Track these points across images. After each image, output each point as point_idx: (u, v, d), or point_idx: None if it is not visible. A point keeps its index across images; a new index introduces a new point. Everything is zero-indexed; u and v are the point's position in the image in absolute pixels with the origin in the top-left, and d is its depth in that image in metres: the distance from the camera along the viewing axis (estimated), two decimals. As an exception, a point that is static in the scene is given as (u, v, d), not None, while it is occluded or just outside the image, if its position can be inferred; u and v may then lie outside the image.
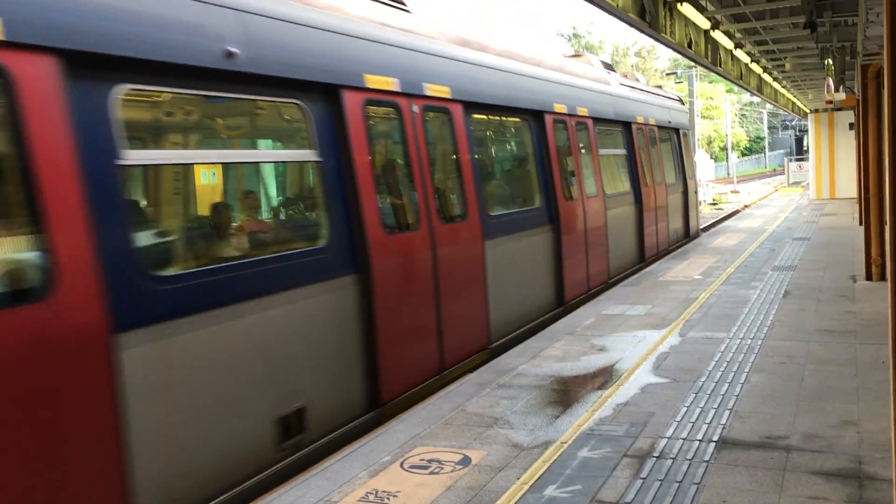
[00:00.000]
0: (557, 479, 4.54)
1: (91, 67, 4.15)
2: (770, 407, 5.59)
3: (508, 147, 10.41)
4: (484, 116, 8.98)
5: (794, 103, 32.20)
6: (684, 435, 5.13)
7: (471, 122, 8.18)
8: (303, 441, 5.37)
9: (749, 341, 7.53)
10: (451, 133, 7.77)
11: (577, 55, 14.23)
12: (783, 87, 24.62)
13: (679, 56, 21.20)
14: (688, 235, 17.49)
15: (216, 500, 4.61)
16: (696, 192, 18.61)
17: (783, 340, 7.51)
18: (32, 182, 3.75)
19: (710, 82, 70.57)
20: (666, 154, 16.09)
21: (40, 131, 3.82)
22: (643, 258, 13.80)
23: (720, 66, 15.52)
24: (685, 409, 5.65)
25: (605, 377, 6.60)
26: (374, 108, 6.60)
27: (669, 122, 16.34)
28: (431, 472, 4.74)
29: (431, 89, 7.24)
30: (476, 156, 8.32)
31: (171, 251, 5.65)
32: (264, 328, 5.09)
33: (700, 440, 5.02)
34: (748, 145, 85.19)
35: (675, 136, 16.95)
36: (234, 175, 7.17)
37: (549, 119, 9.85)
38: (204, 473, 4.57)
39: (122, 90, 4.35)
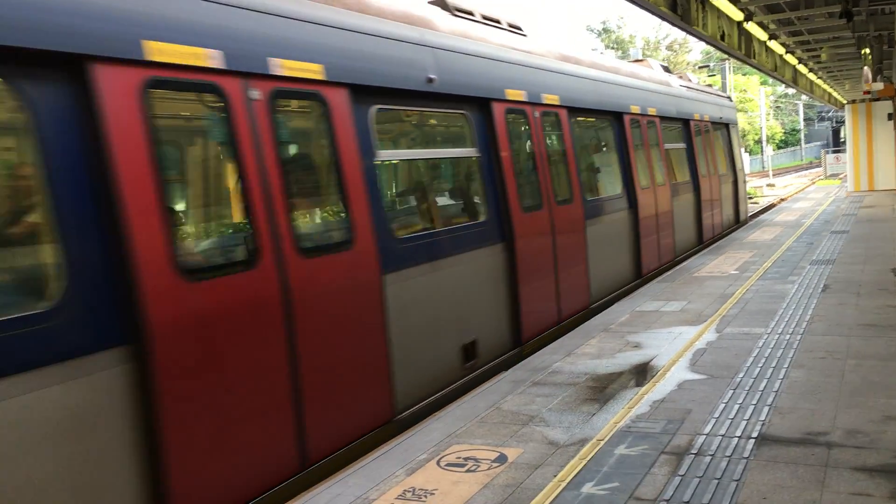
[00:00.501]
0: (594, 476, 4.52)
1: (363, 95, 5.99)
2: (810, 403, 5.52)
3: (598, 143, 11.64)
4: (581, 118, 10.45)
5: (830, 94, 31.68)
6: (723, 432, 5.08)
7: (572, 123, 9.79)
8: (475, 365, 7.26)
9: (788, 337, 7.43)
10: (559, 132, 9.45)
11: (639, 60, 16.30)
12: (819, 77, 24.24)
13: (712, 49, 21.28)
14: (738, 221, 18.91)
15: (428, 399, 6.48)
16: (744, 182, 20.23)
17: (823, 335, 7.39)
18: (339, 174, 5.66)
19: (744, 75, 69.67)
20: (718, 147, 17.38)
21: (343, 139, 5.69)
22: (701, 240, 15.41)
23: (754, 57, 15.31)
24: (723, 405, 5.60)
25: (640, 374, 6.56)
26: (511, 114, 8.22)
27: (721, 117, 17.70)
28: (468, 470, 4.75)
29: (547, 98, 9.00)
30: (577, 150, 9.86)
31: (405, 222, 7.39)
32: (453, 279, 7.00)
33: (739, 437, 4.97)
34: (783, 138, 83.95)
35: (725, 131, 18.28)
36: (432, 167, 8.53)
37: (626, 119, 11.53)
38: (425, 374, 6.53)
39: (375, 109, 6.21)
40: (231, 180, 5.17)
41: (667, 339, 7.71)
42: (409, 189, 8.17)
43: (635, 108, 11.91)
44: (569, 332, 8.44)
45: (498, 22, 8.86)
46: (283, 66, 5.17)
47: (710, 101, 17.15)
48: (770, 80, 58.59)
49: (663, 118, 13.31)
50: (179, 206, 5.75)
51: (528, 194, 8.42)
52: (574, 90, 9.87)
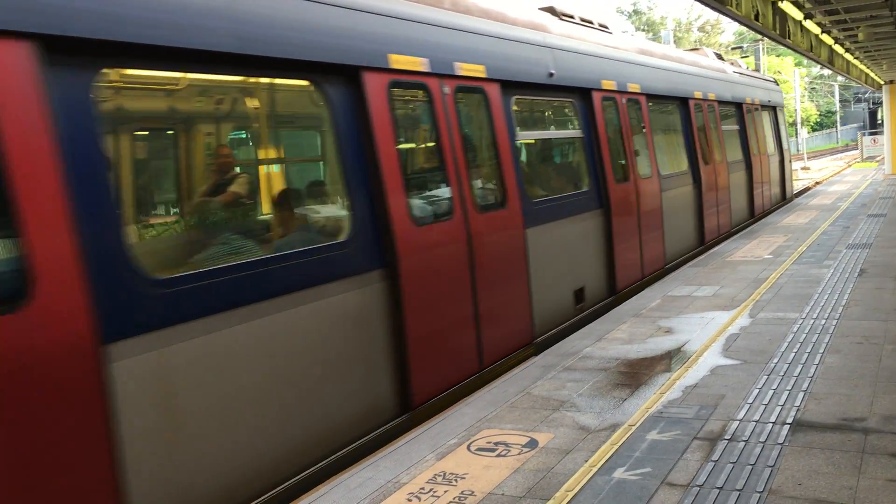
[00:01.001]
0: (626, 461, 4.50)
1: (507, 88, 7.54)
2: (846, 388, 5.43)
3: (669, 125, 12.85)
4: (656, 104, 11.86)
5: (867, 75, 31.01)
6: (756, 417, 5.02)
7: (650, 108, 11.26)
8: (583, 307, 8.90)
9: (823, 321, 7.31)
10: (640, 116, 10.91)
11: (695, 49, 18.00)
12: (855, 58, 23.72)
13: (745, 29, 21.68)
14: (784, 198, 20.24)
15: (552, 330, 8.05)
16: (790, 162, 21.72)
17: (859, 320, 7.27)
18: (497, 151, 7.31)
19: (778, 56, 68.47)
20: (767, 128, 18.73)
21: (498, 124, 7.31)
22: (753, 214, 16.73)
23: (789, 38, 15.04)
24: (757, 390, 5.53)
25: (672, 359, 6.50)
26: (606, 102, 9.71)
27: (769, 101, 19.18)
28: (498, 455, 4.75)
29: (631, 87, 10.46)
30: (654, 132, 11.34)
31: (535, 190, 8.64)
32: (568, 236, 8.58)
33: (773, 422, 4.90)
34: (819, 120, 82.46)
35: (773, 113, 19.59)
36: (550, 146, 9.99)
37: (691, 103, 12.93)
38: (551, 309, 8.17)
39: (514, 99, 7.79)
40: (434, 155, 6.75)
41: (699, 323, 7.63)
42: (536, 163, 9.61)
43: (698, 94, 13.36)
44: (649, 285, 10.07)
45: (591, 23, 10.53)
46: (462, 68, 6.88)
47: (759, 86, 18.61)
48: (805, 61, 57.52)
49: (720, 102, 14.71)
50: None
51: (619, 169, 9.99)
52: (651, 79, 11.39)
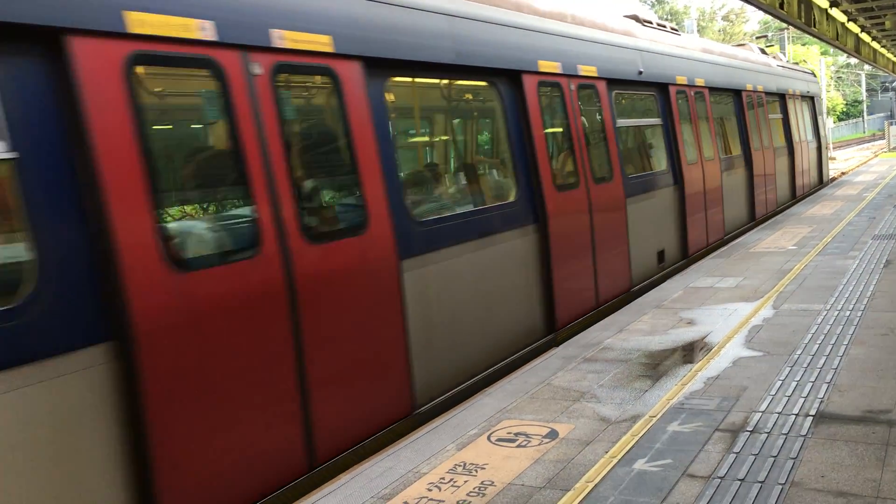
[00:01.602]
0: (647, 452, 4.48)
1: (610, 83, 9.22)
2: (871, 380, 5.37)
3: (725, 114, 14.44)
4: (714, 96, 13.29)
5: (894, 63, 30.51)
6: (779, 409, 4.98)
7: (711, 100, 12.89)
8: (664, 266, 10.56)
9: (848, 313, 7.23)
10: (704, 107, 12.53)
11: (742, 44, 19.31)
12: (882, 46, 23.34)
13: (770, 18, 22.03)
14: (821, 182, 21.96)
15: (643, 283, 9.75)
16: (827, 148, 23.73)
17: (885, 312, 7.18)
18: (606, 134, 9.00)
19: (804, 45, 67.56)
20: (806, 117, 20.25)
21: (606, 113, 9.04)
22: (794, 195, 18.37)
23: (814, 26, 14.83)
24: (780, 382, 5.48)
25: (694, 351, 6.46)
26: (679, 94, 11.45)
27: (808, 91, 20.72)
28: (519, 446, 4.75)
29: (697, 81, 12.09)
30: (714, 120, 13.11)
31: (629, 168, 10.14)
32: (653, 207, 10.27)
33: (796, 414, 4.86)
34: (845, 109, 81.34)
35: (811, 103, 21.12)
36: (638, 131, 11.23)
37: (744, 95, 14.60)
38: (642, 265, 9.77)
39: (615, 93, 9.43)
40: (566, 137, 8.34)
41: (721, 315, 7.58)
42: (629, 145, 10.89)
43: (749, 86, 14.99)
44: (712, 252, 11.58)
45: (664, 27, 12.36)
46: (582, 69, 8.52)
47: (798, 77, 20.34)
48: (831, 50, 56.70)
49: (766, 93, 16.38)
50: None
51: (690, 152, 11.60)
52: (712, 74, 12.99)
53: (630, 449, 4.55)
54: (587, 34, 8.98)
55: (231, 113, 4.54)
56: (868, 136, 71.15)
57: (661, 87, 10.99)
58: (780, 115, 17.48)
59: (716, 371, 5.86)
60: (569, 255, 7.90)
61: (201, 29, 4.36)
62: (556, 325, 7.69)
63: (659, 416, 5.03)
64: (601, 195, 8.62)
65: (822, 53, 69.02)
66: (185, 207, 5.05)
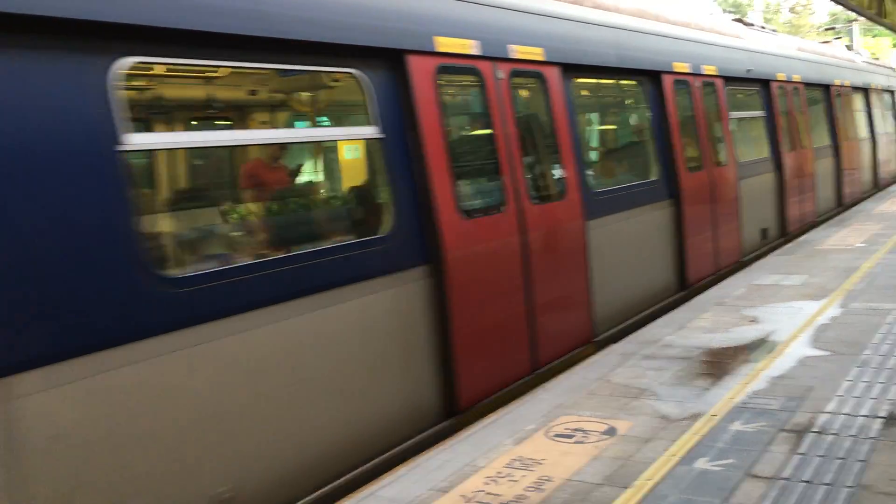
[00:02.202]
0: (708, 451, 4.40)
1: (725, 80, 10.43)
2: (946, 382, 5.18)
3: (817, 107, 15.31)
4: (808, 91, 14.35)
5: (971, 54, 29.25)
6: (847, 410, 4.83)
7: (806, 93, 14.06)
8: (766, 242, 11.78)
9: (920, 313, 6.98)
10: (800, 100, 13.54)
11: (826, 41, 21.24)
12: (958, 36, 22.44)
13: (839, 9, 22.24)
14: None
15: (751, 254, 11.00)
16: None
17: (960, 312, 6.91)
18: (722, 124, 10.22)
19: (874, 36, 65.30)
20: (888, 109, 21.43)
21: (723, 106, 10.18)
22: (877, 184, 19.08)
23: (885, 17, 14.37)
24: (848, 383, 5.32)
25: (757, 349, 6.32)
26: (780, 89, 12.51)
27: (888, 85, 21.93)
28: (577, 442, 4.71)
29: (794, 77, 13.30)
30: (809, 113, 14.19)
31: (739, 154, 10.90)
32: (757, 188, 11.31)
33: (865, 416, 4.71)
34: (917, 103, 78.38)
35: (892, 96, 22.19)
36: (746, 123, 12.04)
37: (832, 89, 15.66)
38: (750, 239, 11.03)
39: (728, 89, 10.70)
40: (692, 127, 9.53)
41: (786, 313, 7.39)
42: (738, 135, 11.33)
43: (837, 81, 16.04)
44: (807, 232, 12.76)
45: (764, 27, 14.49)
46: (705, 69, 9.81)
47: (880, 73, 21.74)
48: (903, 42, 54.64)
49: (852, 88, 17.37)
50: (683, 140, 10.76)
51: (788, 141, 12.64)
52: (806, 71, 14.20)
53: (691, 447, 4.48)
54: (708, 38, 10.64)
55: (487, 107, 6.12)
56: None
57: (764, 83, 12.13)
58: (864, 109, 18.48)
59: (780, 370, 5.72)
60: (697, 227, 9.29)
61: (473, 47, 5.95)
62: (686, 284, 9.10)
63: (721, 415, 4.93)
64: (720, 176, 9.96)
65: (894, 45, 66.65)
66: (465, 174, 6.04)
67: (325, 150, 7.35)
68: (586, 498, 3.97)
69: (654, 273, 8.60)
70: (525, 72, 6.62)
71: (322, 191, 7.41)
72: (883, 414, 4.72)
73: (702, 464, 4.25)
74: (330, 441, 4.62)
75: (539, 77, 6.79)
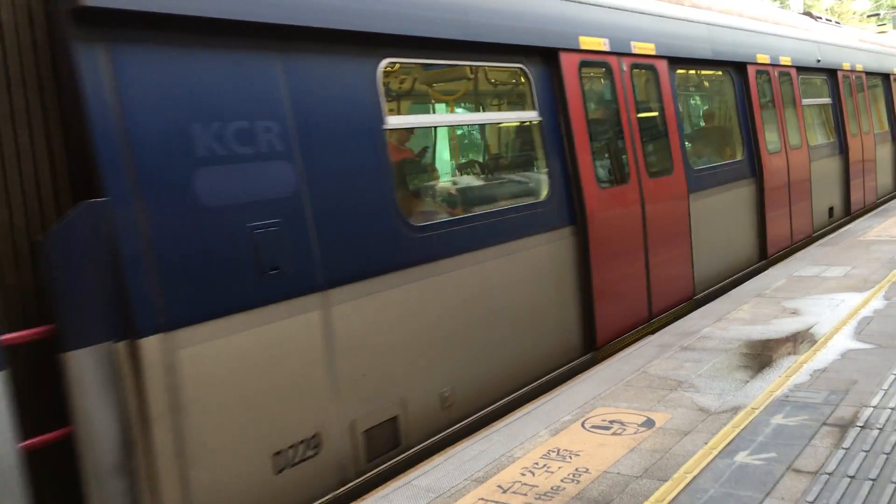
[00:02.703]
0: (749, 445, 4.33)
1: (799, 70, 11.33)
2: None
3: (875, 96, 16.12)
4: (869, 79, 15.29)
5: None
6: (893, 404, 4.72)
7: (867, 82, 15.09)
8: (832, 220, 12.67)
9: (968, 305, 6.80)
10: (862, 88, 14.66)
11: (883, 32, 23.25)
12: None
13: None
14: None
15: (820, 230, 11.82)
16: None
17: None
18: (797, 109, 11.24)
19: (919, 22, 63.60)
20: None
21: (798, 93, 11.28)
22: None
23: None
24: (893, 377, 5.20)
25: (799, 342, 6.20)
26: (844, 79, 13.45)
27: None
28: (613, 433, 4.67)
29: (857, 67, 14.26)
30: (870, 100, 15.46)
31: (810, 137, 11.90)
32: (824, 170, 12.20)
33: (911, 411, 4.61)
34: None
35: None
36: (816, 110, 12.92)
37: (892, 78, 16.72)
38: (819, 216, 11.92)
39: (801, 77, 11.66)
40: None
41: (828, 305, 7.24)
42: (808, 120, 12.08)
43: (894, 70, 17.06)
44: (870, 211, 13.62)
45: (830, 20, 15.39)
46: (782, 60, 10.82)
47: None
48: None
49: None
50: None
51: (853, 127, 13.61)
52: (867, 60, 15.08)
53: (731, 441, 4.41)
54: (783, 31, 11.34)
55: (615, 95, 7.25)
56: None
57: (831, 73, 12.99)
58: None
59: (823, 363, 5.60)
60: (775, 203, 10.15)
61: (605, 44, 7.03)
62: (766, 254, 10.02)
63: (762, 409, 4.84)
64: (795, 158, 10.87)
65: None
66: (600, 151, 7.10)
67: (509, 131, 8.21)
68: (624, 490, 3.93)
69: (740, 244, 9.54)
70: (641, 64, 7.71)
71: (505, 163, 8.17)
72: (930, 409, 4.61)
73: (742, 457, 4.18)
74: (510, 363, 5.83)
75: (651, 69, 7.88)
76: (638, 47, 7.53)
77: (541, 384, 5.98)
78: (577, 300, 6.54)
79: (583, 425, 4.84)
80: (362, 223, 4.68)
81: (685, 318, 7.33)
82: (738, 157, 9.60)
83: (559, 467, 4.26)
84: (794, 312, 7.11)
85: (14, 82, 3.46)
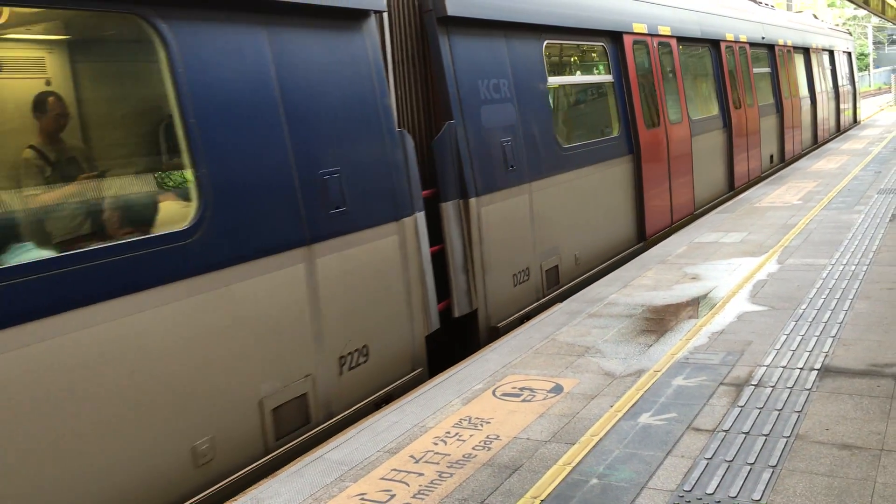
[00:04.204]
0: (651, 406, 4.50)
1: (727, 47, 13.71)
2: (877, 334, 5.37)
3: (801, 66, 19.23)
4: (796, 54, 18.33)
5: (903, 15, 30.05)
6: (784, 363, 4.98)
7: (796, 55, 18.34)
8: (772, 166, 16.24)
9: (853, 267, 7.21)
10: (792, 60, 17.72)
11: (799, 12, 27.70)
12: (892, -3, 22.99)
13: None
14: (855, 121, 27.43)
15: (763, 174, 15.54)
16: (857, 94, 29.46)
17: (890, 266, 7.15)
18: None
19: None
20: (845, 69, 25.51)
21: (725, 63, 13.30)
22: (839, 127, 23.70)
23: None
24: (785, 337, 5.48)
25: (699, 306, 6.46)
26: (778, 52, 16.77)
27: (847, 48, 26.13)
28: (524, 400, 4.77)
29: (788, 43, 17.06)
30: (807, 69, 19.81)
31: (737, 104, 14.17)
32: (766, 123, 15.69)
33: (801, 368, 4.87)
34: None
35: (847, 57, 26.29)
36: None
37: (811, 52, 20.17)
38: (800, 146, 18.35)
39: (777, 49, 16.65)
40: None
41: (726, 270, 7.56)
42: (760, 84, 15.41)
43: (813, 45, 20.11)
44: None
45: (768, 4, 19.07)
46: (741, 37, 13.81)
47: (838, 38, 25.42)
48: (838, 1, 55.68)
49: (823, 49, 21.64)
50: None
51: (789, 90, 17.18)
52: (796, 38, 18.45)
53: (635, 403, 4.57)
54: (747, 16, 15.21)
55: (650, 64, 10.21)
56: (874, 89, 70.22)
57: (770, 48, 16.11)
58: (830, 67, 22.90)
59: (720, 326, 5.86)
60: (741, 148, 13.52)
61: (646, 28, 10.04)
62: (733, 186, 13.21)
63: (663, 371, 5.04)
64: (750, 113, 14.22)
65: (830, 5, 67.88)
66: (645, 102, 9.89)
67: (597, 88, 10.08)
68: (533, 455, 4.03)
69: (719, 173, 12.76)
70: (663, 42, 10.62)
71: (596, 111, 10.19)
72: (818, 366, 4.89)
73: (645, 419, 4.34)
74: (603, 241, 8.75)
75: (668, 45, 10.78)
76: (661, 30, 10.56)
77: (618, 259, 8.88)
78: (634, 206, 9.55)
79: (494, 393, 4.92)
80: (541, 143, 7.43)
81: (592, 285, 7.52)
82: (714, 113, 12.65)
83: (471, 435, 4.33)
84: (695, 278, 7.39)
85: (409, 57, 6.22)
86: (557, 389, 4.89)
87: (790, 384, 4.63)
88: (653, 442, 4.05)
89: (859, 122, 27.48)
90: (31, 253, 3.54)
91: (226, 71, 4.30)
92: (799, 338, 5.43)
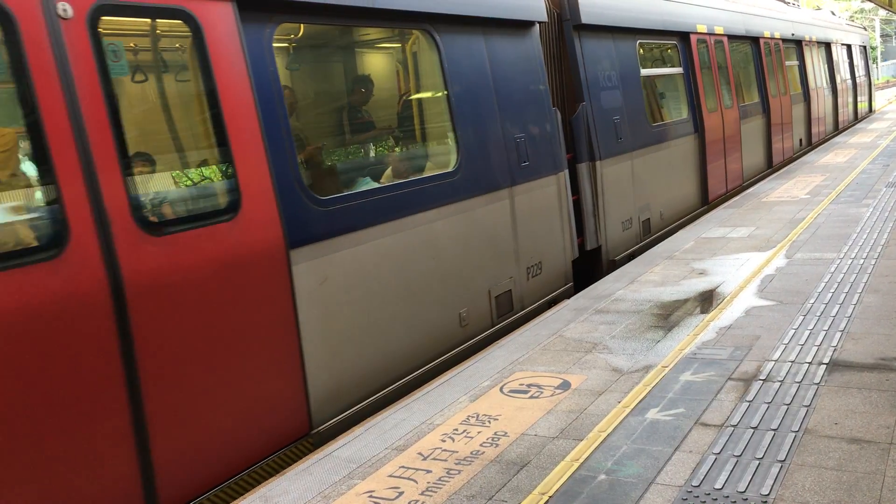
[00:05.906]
0: (659, 402, 4.49)
1: (766, 43, 15.44)
2: (885, 328, 5.35)
3: (823, 59, 21.04)
4: (819, 49, 19.74)
5: (911, 7, 29.89)
6: (792, 358, 4.97)
7: (818, 50, 19.99)
8: (837, 131, 21.48)
9: (861, 261, 7.18)
10: (811, 54, 19.02)
11: (819, 9, 28.31)
12: (899, -11, 22.86)
13: None
14: (871, 110, 29.19)
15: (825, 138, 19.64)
16: (872, 84, 31.48)
17: (899, 259, 7.12)
18: (831, 66, 21.59)
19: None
20: (861, 61, 27.06)
21: (763, 57, 15.22)
22: (857, 116, 25.54)
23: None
24: (793, 331, 5.47)
25: (706, 301, 6.44)
26: (770, 44, 16.98)
27: (863, 42, 27.80)
28: (531, 397, 4.77)
29: (806, 37, 18.62)
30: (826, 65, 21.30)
31: (776, 91, 15.86)
32: (795, 114, 17.35)
33: (809, 363, 4.86)
34: (859, 56, 79.62)
35: (863, 51, 27.82)
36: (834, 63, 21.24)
37: (832, 47, 21.90)
38: (821, 132, 20.03)
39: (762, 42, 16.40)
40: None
41: (734, 265, 7.54)
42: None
43: (834, 39, 21.58)
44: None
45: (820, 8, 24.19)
46: (776, 34, 15.73)
47: (857, 33, 27.17)
48: (845, -5, 55.28)
49: (842, 45, 23.20)
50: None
51: (813, 82, 18.91)
52: (819, 34, 19.56)
53: (642, 399, 4.56)
54: (779, 15, 16.77)
55: (709, 58, 11.72)
56: (882, 82, 69.81)
57: (798, 43, 17.73)
58: (849, 60, 24.45)
59: (728, 321, 5.85)
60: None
61: (705, 29, 11.63)
62: (772, 163, 14.88)
63: (671, 366, 5.03)
64: (786, 101, 16.02)
65: (837, -1, 67.46)
66: (706, 90, 11.67)
67: (671, 78, 11.56)
68: (541, 451, 4.03)
69: (760, 151, 14.45)
70: (718, 40, 12.16)
71: (672, 97, 11.65)
72: (826, 360, 4.87)
73: (653, 414, 4.34)
74: (679, 202, 10.65)
75: (721, 43, 12.29)
76: (717, 29, 12.22)
77: (688, 218, 10.74)
78: (699, 176, 11.34)
79: (501, 390, 4.93)
80: (637, 122, 9.27)
81: (599, 281, 7.51)
82: (755, 100, 14.33)
83: (478, 432, 4.33)
84: (702, 273, 7.37)
85: (552, 55, 8.01)
86: (565, 386, 4.89)
87: (798, 379, 4.62)
88: (661, 437, 4.05)
89: (874, 111, 29.63)
90: (370, 184, 5.75)
91: (465, 65, 6.28)
92: (807, 332, 5.41)
